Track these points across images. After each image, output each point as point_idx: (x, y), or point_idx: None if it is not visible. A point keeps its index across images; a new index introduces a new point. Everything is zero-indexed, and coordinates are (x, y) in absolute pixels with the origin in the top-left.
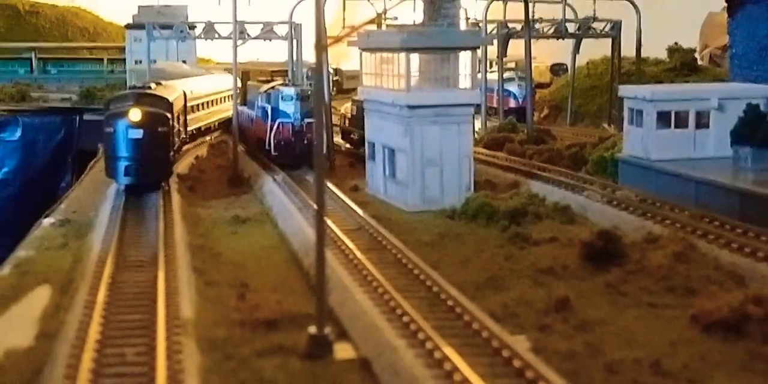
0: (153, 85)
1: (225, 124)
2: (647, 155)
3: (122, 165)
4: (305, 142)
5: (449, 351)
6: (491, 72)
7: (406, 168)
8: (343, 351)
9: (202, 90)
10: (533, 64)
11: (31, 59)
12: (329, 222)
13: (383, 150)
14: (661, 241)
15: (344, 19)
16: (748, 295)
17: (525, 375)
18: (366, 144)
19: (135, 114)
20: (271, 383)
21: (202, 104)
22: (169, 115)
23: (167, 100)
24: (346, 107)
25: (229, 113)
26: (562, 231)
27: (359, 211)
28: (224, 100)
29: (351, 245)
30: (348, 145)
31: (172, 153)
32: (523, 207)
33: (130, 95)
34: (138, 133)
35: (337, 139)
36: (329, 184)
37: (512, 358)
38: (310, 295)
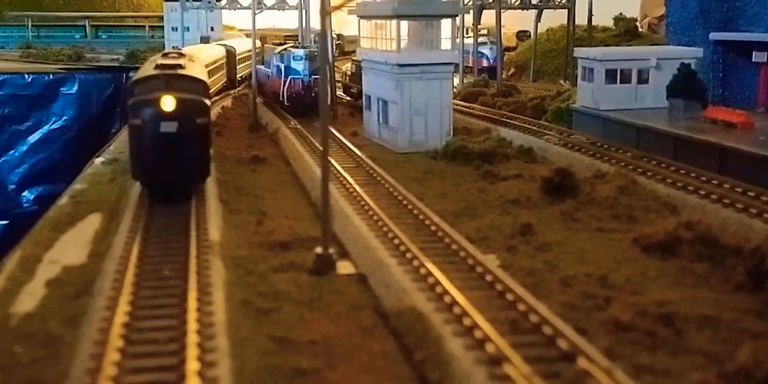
0: (183, 62)
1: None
2: (597, 106)
3: (152, 165)
4: (313, 95)
5: (432, 267)
6: (467, 37)
7: (397, 116)
8: (344, 268)
9: (243, 48)
10: (502, 31)
11: (85, 26)
12: (332, 161)
13: (378, 102)
14: (608, 176)
15: None
16: (681, 222)
17: (495, 287)
18: (363, 97)
19: (168, 102)
20: (284, 294)
21: (243, 58)
22: (208, 103)
23: (204, 82)
24: (347, 66)
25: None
26: (526, 169)
27: (357, 152)
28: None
29: (351, 180)
30: (348, 98)
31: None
32: (493, 149)
33: (160, 77)
34: (172, 127)
35: (340, 92)
36: (332, 130)
37: (485, 274)
38: (316, 222)
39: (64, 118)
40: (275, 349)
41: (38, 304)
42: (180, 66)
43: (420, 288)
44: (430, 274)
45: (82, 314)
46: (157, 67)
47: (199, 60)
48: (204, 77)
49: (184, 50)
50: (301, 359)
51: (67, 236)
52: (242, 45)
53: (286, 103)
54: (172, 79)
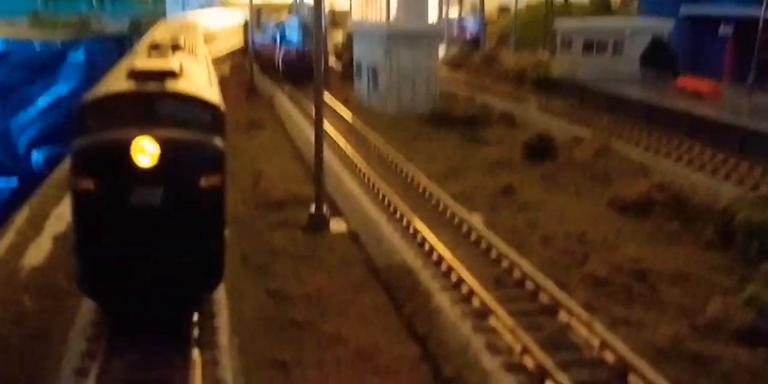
0: (178, 66)
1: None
2: (575, 74)
3: (114, 268)
4: (306, 61)
5: (420, 225)
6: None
7: (386, 82)
8: (337, 226)
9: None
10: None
11: None
12: (325, 125)
13: (368, 68)
14: (584, 141)
15: None
16: (654, 183)
17: (480, 244)
18: (354, 64)
19: (147, 148)
20: (280, 250)
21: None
22: (220, 145)
23: (215, 107)
24: (338, 37)
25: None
26: (508, 133)
27: (349, 116)
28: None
29: (343, 143)
30: (341, 65)
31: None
32: (477, 115)
33: (135, 100)
34: (152, 196)
35: (332, 59)
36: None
37: (470, 231)
38: (310, 183)
39: (71, 84)
40: (272, 302)
41: (45, 257)
42: (172, 73)
43: (409, 245)
44: (417, 231)
45: None
46: (132, 74)
47: (203, 56)
48: (215, 96)
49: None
50: (297, 311)
51: None
52: (217, 18)
53: (281, 70)
54: (159, 102)
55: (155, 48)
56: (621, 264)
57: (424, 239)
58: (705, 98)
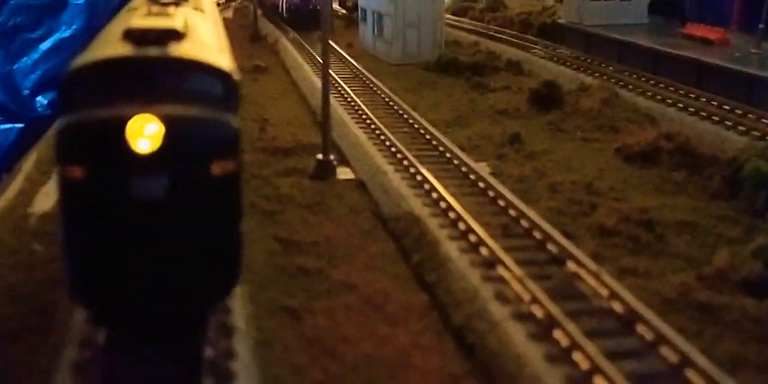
0: (182, 24)
1: None
2: (581, 21)
3: (111, 274)
4: (310, 7)
5: (427, 174)
6: None
7: (391, 29)
8: (343, 173)
9: None
10: None
11: None
12: (330, 71)
13: (373, 14)
14: (591, 89)
15: None
16: (661, 132)
17: (488, 194)
18: (359, 10)
19: (148, 130)
20: (288, 198)
21: None
22: (236, 123)
23: (227, 75)
24: None
25: None
26: (514, 81)
27: (354, 62)
28: None
29: (348, 89)
30: (344, 11)
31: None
32: (483, 62)
33: (133, 66)
34: (156, 187)
35: (335, 5)
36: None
37: (477, 181)
38: (317, 129)
39: (74, 26)
40: (280, 249)
41: (55, 204)
42: (175, 34)
43: (416, 194)
44: (425, 180)
45: None
46: (128, 35)
47: (211, 9)
48: (227, 62)
49: None
50: (305, 259)
51: None
52: None
53: (285, 16)
54: (160, 70)
55: (155, 1)
56: (628, 214)
57: (432, 188)
58: (713, 46)
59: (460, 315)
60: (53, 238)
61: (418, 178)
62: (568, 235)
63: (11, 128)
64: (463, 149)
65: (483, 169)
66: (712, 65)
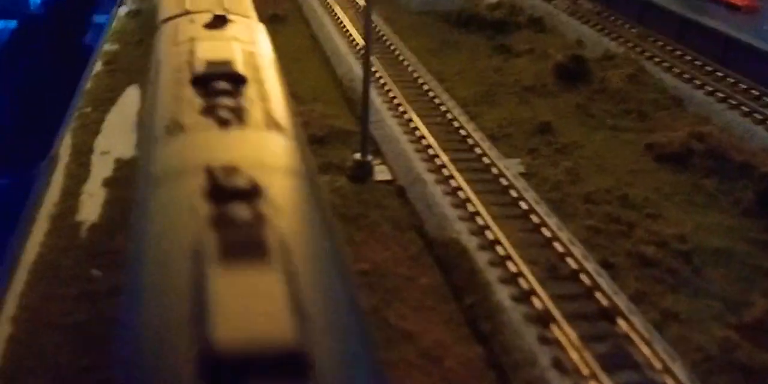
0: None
1: None
2: None
3: None
4: None
5: (466, 187)
6: None
7: None
8: (381, 172)
9: None
10: None
11: None
12: (350, 28)
13: None
14: (616, 60)
15: None
16: (693, 131)
17: (531, 220)
18: None
19: None
20: (331, 205)
21: None
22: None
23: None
24: None
25: None
26: (537, 41)
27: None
28: None
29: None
30: None
31: None
32: (504, 18)
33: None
34: None
35: None
36: None
37: (519, 201)
38: (346, 108)
39: None
40: None
41: (103, 213)
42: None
43: (436, 179)
44: (468, 200)
45: None
46: (213, 193)
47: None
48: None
49: None
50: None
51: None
52: None
53: None
54: None
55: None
56: (665, 239)
57: (476, 211)
58: (740, 12)
59: (521, 382)
60: (109, 259)
61: (445, 173)
62: (608, 266)
63: (5, 28)
64: (493, 139)
65: (516, 167)
66: (738, 41)
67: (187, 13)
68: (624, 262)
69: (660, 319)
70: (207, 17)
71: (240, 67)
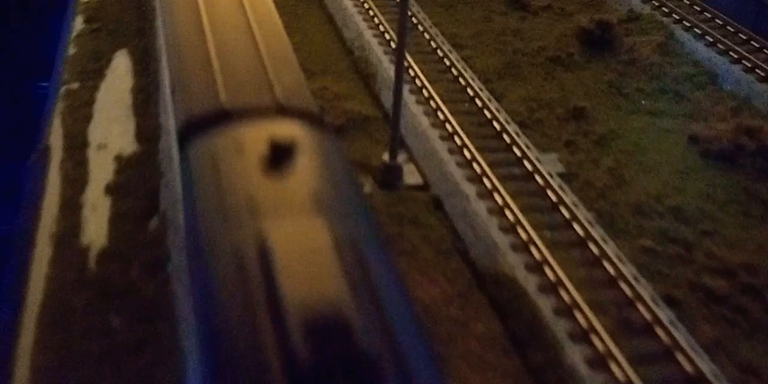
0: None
1: None
2: None
3: None
4: None
5: (510, 202)
6: None
7: None
8: (410, 174)
9: None
10: None
11: None
12: None
13: None
14: (642, 22)
15: None
16: (741, 125)
17: (588, 246)
18: None
19: None
20: None
21: None
22: None
23: None
24: None
25: None
26: None
27: None
28: None
29: (377, 11)
30: None
31: None
32: None
33: None
34: None
35: None
36: None
37: (546, 188)
38: (360, 84)
39: None
40: None
41: (112, 238)
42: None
43: (467, 175)
44: (518, 222)
45: None
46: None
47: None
48: None
49: None
50: None
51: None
52: None
53: None
54: None
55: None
56: (729, 265)
57: (529, 239)
58: None
59: None
60: (127, 302)
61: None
62: (673, 302)
63: None
64: (523, 125)
65: (554, 165)
66: None
67: (226, 115)
68: (689, 298)
69: (739, 374)
70: (261, 143)
71: None
